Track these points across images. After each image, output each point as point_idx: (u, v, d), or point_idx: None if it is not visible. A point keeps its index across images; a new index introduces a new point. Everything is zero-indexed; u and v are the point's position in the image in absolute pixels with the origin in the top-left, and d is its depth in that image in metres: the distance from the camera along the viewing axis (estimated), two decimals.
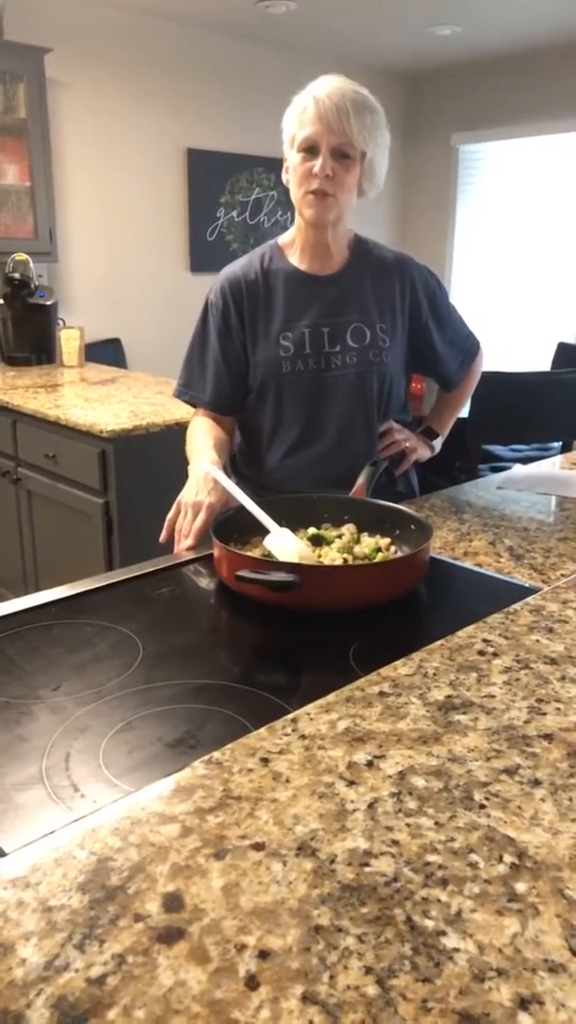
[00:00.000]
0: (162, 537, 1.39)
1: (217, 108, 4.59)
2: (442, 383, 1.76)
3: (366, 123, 1.38)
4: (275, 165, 4.72)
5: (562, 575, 1.24)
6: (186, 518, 1.36)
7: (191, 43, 4.39)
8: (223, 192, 4.73)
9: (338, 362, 1.52)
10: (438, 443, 1.75)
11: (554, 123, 4.85)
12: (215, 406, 1.59)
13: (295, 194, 1.46)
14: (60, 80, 3.88)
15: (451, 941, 0.54)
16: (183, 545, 1.35)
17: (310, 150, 1.40)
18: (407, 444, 1.64)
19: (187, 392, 1.63)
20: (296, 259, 1.55)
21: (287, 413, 1.55)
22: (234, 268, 1.57)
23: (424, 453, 1.70)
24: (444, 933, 0.54)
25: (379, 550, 1.26)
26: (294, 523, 1.29)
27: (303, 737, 0.77)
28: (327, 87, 1.38)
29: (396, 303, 1.56)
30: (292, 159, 1.44)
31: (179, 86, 4.41)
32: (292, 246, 1.56)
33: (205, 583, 1.27)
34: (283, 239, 1.58)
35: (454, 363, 1.70)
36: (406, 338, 1.60)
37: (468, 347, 1.72)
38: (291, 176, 1.45)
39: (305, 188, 1.43)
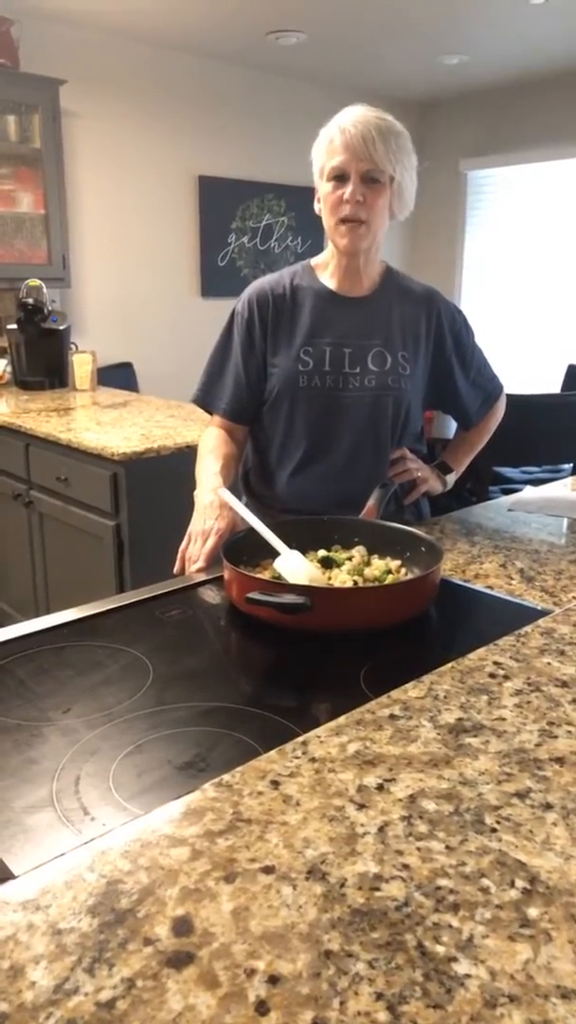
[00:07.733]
0: (176, 568, 1.40)
1: (228, 136, 4.66)
2: (461, 421, 1.77)
3: (392, 147, 1.41)
4: (285, 192, 4.85)
5: (573, 597, 1.24)
6: (195, 544, 1.37)
7: (202, 73, 4.46)
8: (234, 218, 4.78)
9: (356, 383, 1.53)
10: (451, 478, 1.75)
11: (562, 149, 4.90)
12: (231, 414, 1.62)
13: (328, 223, 1.49)
14: (74, 111, 3.95)
15: (462, 967, 0.53)
16: (192, 568, 1.36)
17: (340, 178, 1.43)
18: (419, 474, 1.64)
19: (205, 398, 1.65)
20: (327, 279, 1.57)
21: (298, 426, 1.56)
22: (263, 282, 1.60)
23: (435, 486, 1.70)
24: (455, 959, 0.54)
25: (389, 572, 1.26)
26: (304, 545, 1.29)
27: (313, 760, 0.77)
28: (352, 116, 1.41)
29: (421, 334, 1.58)
30: (323, 189, 1.47)
31: (190, 115, 4.48)
32: (324, 268, 1.58)
33: (215, 605, 1.27)
34: (316, 260, 1.60)
35: (475, 403, 1.71)
36: (428, 370, 1.61)
37: (491, 389, 1.73)
38: (323, 205, 1.48)
39: (337, 216, 1.45)
